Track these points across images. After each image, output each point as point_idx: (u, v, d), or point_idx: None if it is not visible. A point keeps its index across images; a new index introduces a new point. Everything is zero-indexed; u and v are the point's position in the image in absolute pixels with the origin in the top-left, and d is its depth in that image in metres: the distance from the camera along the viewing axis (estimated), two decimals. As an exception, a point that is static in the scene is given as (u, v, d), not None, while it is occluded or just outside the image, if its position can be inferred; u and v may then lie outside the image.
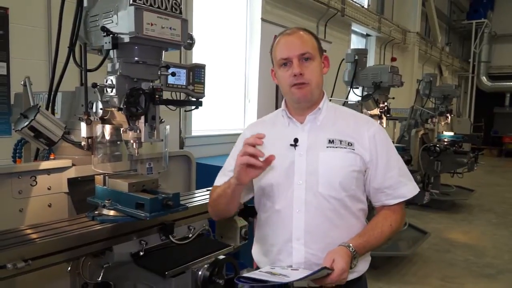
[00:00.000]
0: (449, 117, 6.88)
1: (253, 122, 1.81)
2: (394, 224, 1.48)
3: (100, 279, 1.58)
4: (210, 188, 2.23)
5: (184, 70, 2.19)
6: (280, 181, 1.46)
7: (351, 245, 1.36)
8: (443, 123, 6.89)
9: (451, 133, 7.27)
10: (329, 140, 1.46)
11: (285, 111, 1.55)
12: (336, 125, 1.50)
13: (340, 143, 1.45)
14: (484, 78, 16.25)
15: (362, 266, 1.49)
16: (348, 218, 1.47)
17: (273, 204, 1.48)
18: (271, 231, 1.50)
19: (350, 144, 1.45)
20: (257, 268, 1.52)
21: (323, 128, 1.49)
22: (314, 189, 1.43)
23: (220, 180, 1.58)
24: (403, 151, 5.31)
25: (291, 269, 1.38)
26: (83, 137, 1.69)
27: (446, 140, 7.06)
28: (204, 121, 4.51)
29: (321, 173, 1.43)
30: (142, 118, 1.56)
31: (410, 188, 1.51)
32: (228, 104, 4.98)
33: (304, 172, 1.44)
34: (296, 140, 1.47)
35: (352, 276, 1.41)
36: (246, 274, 1.29)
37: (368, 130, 1.49)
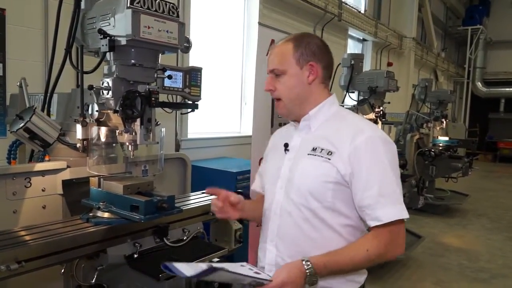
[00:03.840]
0: (444, 122, 6.92)
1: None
2: (372, 250, 1.30)
3: (93, 281, 1.58)
4: (205, 191, 2.24)
5: (181, 73, 2.20)
6: (269, 183, 1.53)
7: (309, 261, 1.27)
8: (438, 128, 6.93)
9: (446, 138, 7.31)
10: (313, 148, 1.41)
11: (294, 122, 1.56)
12: (328, 133, 1.43)
13: (321, 151, 1.38)
14: (479, 84, 16.36)
15: (344, 286, 1.40)
16: (324, 231, 1.38)
17: (264, 204, 1.55)
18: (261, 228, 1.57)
19: (330, 153, 1.36)
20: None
21: (315, 135, 1.45)
22: (289, 196, 1.43)
23: (255, 182, 1.71)
24: (399, 155, 5.32)
25: (254, 271, 1.28)
26: (79, 139, 1.69)
27: (441, 145, 7.10)
28: (200, 124, 4.52)
29: (295, 180, 1.42)
30: (138, 120, 1.56)
31: (387, 212, 1.30)
32: (225, 107, 4.98)
33: (286, 178, 1.45)
34: (286, 145, 1.50)
35: None
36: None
37: (353, 141, 1.34)
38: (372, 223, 1.32)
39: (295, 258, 1.33)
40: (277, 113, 1.55)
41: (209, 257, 1.65)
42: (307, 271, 1.26)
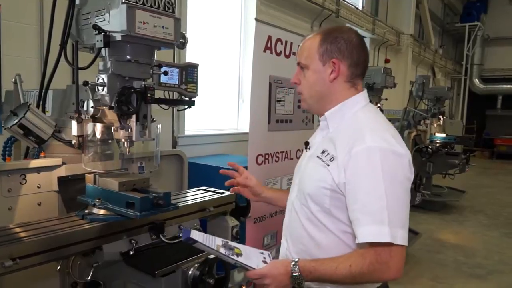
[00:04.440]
0: (442, 118, 6.93)
1: None
2: (356, 268, 1.22)
3: (89, 278, 1.57)
4: (202, 188, 2.24)
5: (177, 69, 2.18)
6: (293, 179, 1.57)
7: (297, 264, 1.29)
8: (435, 124, 6.95)
9: (443, 135, 7.33)
10: (322, 151, 1.37)
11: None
12: (338, 136, 1.37)
13: (326, 155, 1.34)
14: (476, 81, 16.40)
15: None
16: (326, 235, 1.35)
17: None
18: None
19: (332, 159, 1.32)
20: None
21: (330, 137, 1.40)
22: (299, 195, 1.45)
23: None
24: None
25: (259, 252, 1.43)
26: (74, 135, 1.69)
27: (438, 141, 7.11)
28: (197, 121, 4.51)
29: (302, 180, 1.44)
30: (134, 117, 1.55)
31: (365, 231, 1.21)
32: (222, 103, 4.97)
33: (300, 176, 1.48)
34: (306, 143, 1.54)
35: None
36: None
37: (351, 150, 1.26)
38: (356, 240, 1.25)
39: (301, 255, 1.36)
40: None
41: (205, 253, 1.64)
42: (293, 272, 1.28)
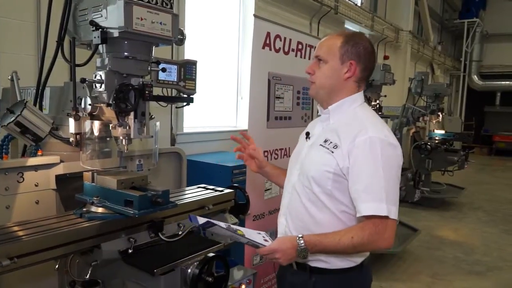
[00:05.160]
0: (441, 115, 6.93)
1: None
2: (357, 238, 1.45)
3: (88, 276, 1.56)
4: (201, 185, 2.23)
5: (175, 66, 2.17)
6: (291, 164, 1.76)
7: (302, 238, 1.48)
8: (434, 121, 6.95)
9: (442, 132, 7.33)
10: (325, 140, 1.58)
11: (320, 106, 1.73)
12: (339, 127, 1.58)
13: (329, 144, 1.55)
14: (475, 77, 16.39)
15: (339, 262, 1.59)
16: (326, 213, 1.56)
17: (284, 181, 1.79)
18: None
19: (335, 147, 1.53)
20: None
21: (331, 127, 1.62)
22: (301, 178, 1.63)
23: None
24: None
25: (257, 232, 1.58)
26: (72, 133, 1.66)
27: (437, 138, 7.12)
28: (196, 118, 4.49)
29: (305, 166, 1.63)
30: (132, 114, 1.54)
31: (368, 206, 1.44)
32: (220, 101, 4.95)
33: (301, 162, 1.67)
34: (307, 134, 1.73)
35: (320, 264, 1.59)
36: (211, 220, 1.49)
37: (355, 139, 1.49)
38: (357, 214, 1.48)
39: (300, 232, 1.55)
40: (308, 94, 1.79)
41: (204, 251, 1.63)
42: (299, 246, 1.47)
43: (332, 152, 1.52)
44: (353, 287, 1.66)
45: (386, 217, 1.44)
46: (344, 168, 1.49)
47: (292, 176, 1.70)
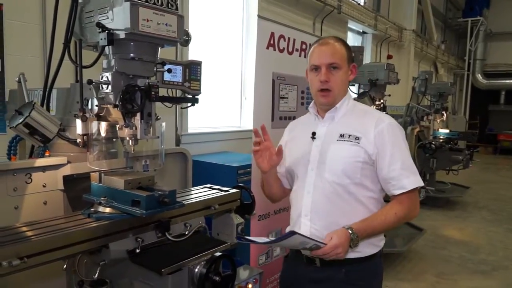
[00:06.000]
0: (445, 114, 6.91)
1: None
2: (400, 213, 1.63)
3: (96, 276, 1.57)
4: (207, 185, 2.23)
5: (180, 67, 2.18)
6: (299, 167, 1.80)
7: (352, 227, 1.57)
8: (438, 120, 6.93)
9: (447, 131, 7.31)
10: (340, 134, 1.70)
11: (313, 108, 1.85)
12: (350, 122, 1.73)
13: (349, 137, 1.68)
14: (479, 76, 16.32)
15: (368, 249, 1.70)
16: (353, 203, 1.68)
17: (293, 185, 1.86)
18: (291, 206, 1.86)
19: (357, 138, 1.67)
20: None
21: (339, 124, 1.75)
22: (322, 175, 1.70)
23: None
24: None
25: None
26: (79, 134, 1.68)
27: (441, 137, 7.09)
28: (200, 119, 4.50)
29: (328, 162, 1.70)
30: (138, 115, 1.54)
31: (411, 181, 1.64)
32: (225, 101, 4.96)
33: (317, 160, 1.73)
34: (314, 134, 1.78)
35: (354, 255, 1.66)
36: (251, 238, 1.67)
37: (376, 127, 1.67)
38: (397, 192, 1.65)
39: (329, 228, 1.62)
40: (319, 102, 1.82)
41: (211, 251, 1.64)
42: (351, 236, 1.56)
43: (358, 143, 1.66)
44: (377, 271, 1.79)
45: (416, 188, 1.64)
46: (373, 154, 1.65)
47: (308, 177, 1.75)
